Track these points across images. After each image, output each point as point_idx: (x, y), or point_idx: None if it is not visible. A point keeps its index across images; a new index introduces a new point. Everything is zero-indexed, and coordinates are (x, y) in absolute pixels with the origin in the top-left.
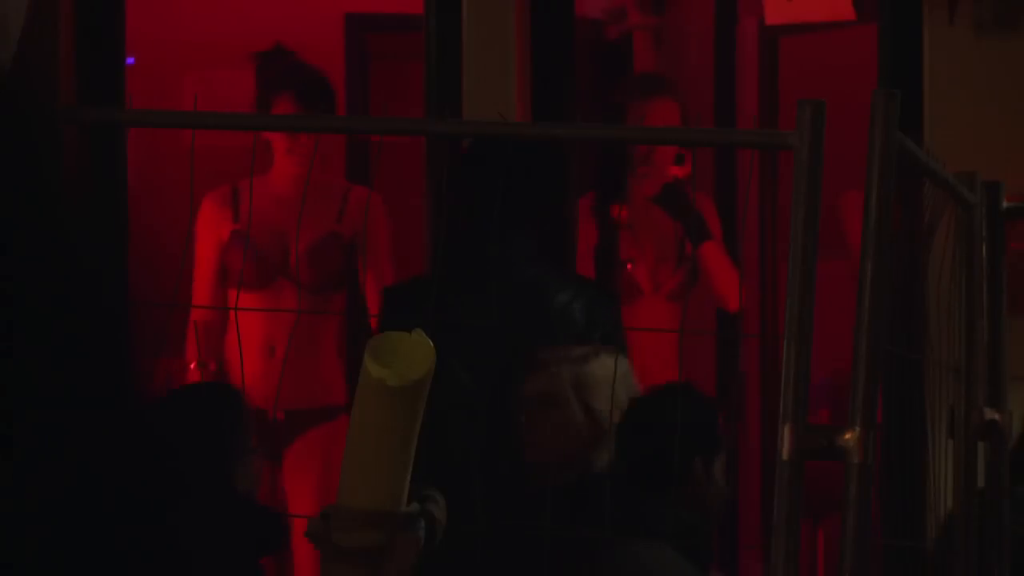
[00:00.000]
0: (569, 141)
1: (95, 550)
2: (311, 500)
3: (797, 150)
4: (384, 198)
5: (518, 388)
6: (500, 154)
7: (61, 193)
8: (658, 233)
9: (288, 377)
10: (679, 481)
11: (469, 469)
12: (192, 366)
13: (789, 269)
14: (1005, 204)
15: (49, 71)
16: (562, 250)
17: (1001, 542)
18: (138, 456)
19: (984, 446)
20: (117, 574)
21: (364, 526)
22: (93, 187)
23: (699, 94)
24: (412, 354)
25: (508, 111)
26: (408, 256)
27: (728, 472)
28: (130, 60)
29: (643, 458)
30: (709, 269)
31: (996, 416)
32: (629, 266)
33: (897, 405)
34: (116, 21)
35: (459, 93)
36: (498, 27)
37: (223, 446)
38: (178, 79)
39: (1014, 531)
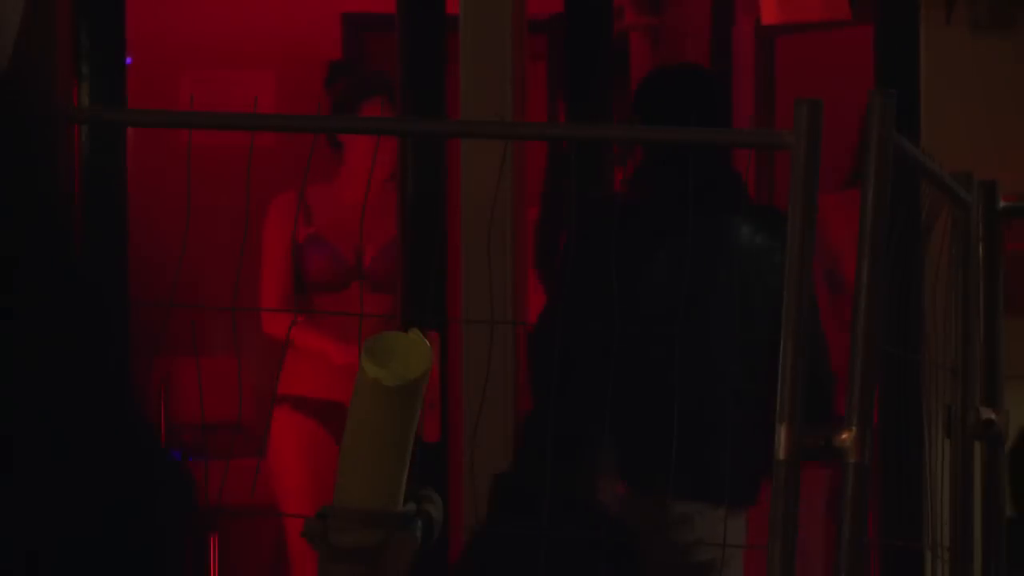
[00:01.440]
0: (565, 141)
1: (89, 545)
2: None
3: (794, 149)
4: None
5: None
6: (682, 89)
7: (59, 193)
8: None
9: None
10: None
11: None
12: None
13: (786, 268)
14: (1002, 204)
15: (47, 71)
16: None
17: (999, 541)
18: (133, 452)
19: (981, 445)
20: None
21: (361, 525)
22: (92, 187)
23: None
24: (409, 354)
25: (504, 110)
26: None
27: None
28: (128, 60)
29: None
30: None
31: (993, 415)
32: None
33: (894, 405)
34: (116, 20)
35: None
36: (495, 26)
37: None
38: (176, 79)
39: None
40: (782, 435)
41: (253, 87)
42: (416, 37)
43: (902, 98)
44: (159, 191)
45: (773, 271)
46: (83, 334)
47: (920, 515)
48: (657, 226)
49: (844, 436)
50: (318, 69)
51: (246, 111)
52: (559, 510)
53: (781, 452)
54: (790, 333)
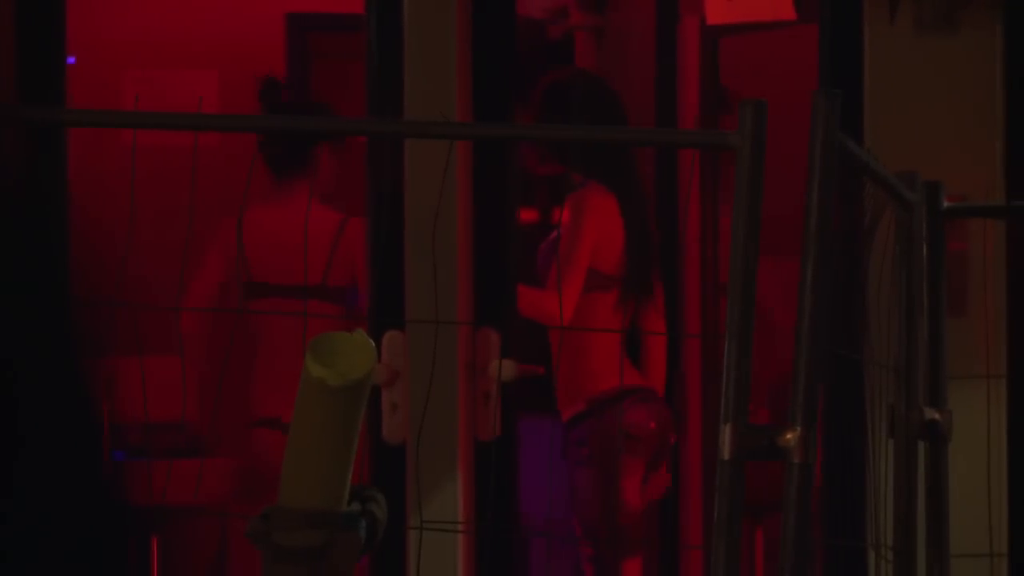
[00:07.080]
0: (509, 140)
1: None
2: None
3: (739, 150)
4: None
5: None
6: None
7: (3, 194)
8: None
9: None
10: None
11: None
12: None
13: (730, 269)
14: (945, 204)
15: None
16: None
17: (942, 540)
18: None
19: (924, 445)
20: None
21: (304, 526)
22: (33, 187)
23: (640, 94)
24: (353, 354)
25: (448, 110)
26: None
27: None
28: (70, 59)
29: None
30: None
31: (936, 415)
32: None
33: (838, 405)
34: (56, 20)
35: (400, 92)
36: (439, 26)
37: None
38: (118, 78)
39: None
40: (727, 435)
41: (196, 87)
42: (383, 37)
43: (846, 98)
44: (103, 191)
45: None
46: (28, 333)
47: (864, 514)
48: None
49: (788, 436)
50: (262, 69)
51: (189, 111)
52: None
53: (726, 452)
54: (734, 334)
